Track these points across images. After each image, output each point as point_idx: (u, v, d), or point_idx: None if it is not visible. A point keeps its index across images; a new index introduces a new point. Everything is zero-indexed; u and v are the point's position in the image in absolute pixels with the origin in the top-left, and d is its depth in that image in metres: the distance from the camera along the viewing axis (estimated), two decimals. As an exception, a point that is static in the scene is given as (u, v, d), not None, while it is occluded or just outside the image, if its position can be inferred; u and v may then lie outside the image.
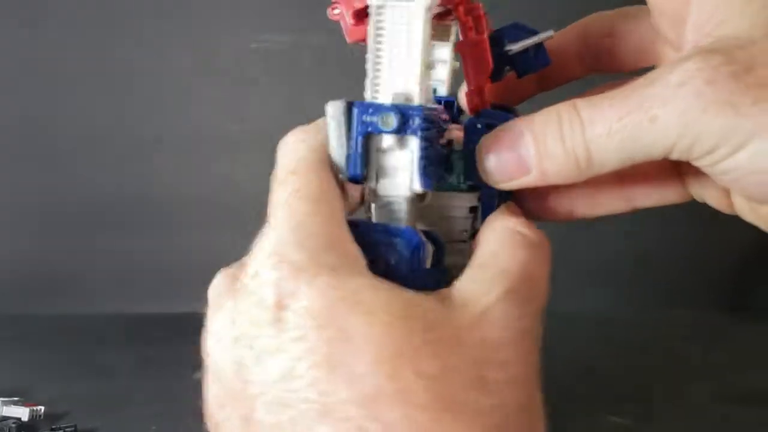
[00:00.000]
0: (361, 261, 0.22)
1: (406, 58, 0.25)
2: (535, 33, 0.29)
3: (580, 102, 0.23)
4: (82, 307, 0.88)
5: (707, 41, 0.22)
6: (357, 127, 0.26)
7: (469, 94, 0.29)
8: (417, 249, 0.24)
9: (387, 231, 0.24)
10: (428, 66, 0.25)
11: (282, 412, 0.20)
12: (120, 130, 0.97)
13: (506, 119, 0.26)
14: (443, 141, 0.27)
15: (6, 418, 0.53)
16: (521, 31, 0.29)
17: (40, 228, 0.97)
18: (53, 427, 0.52)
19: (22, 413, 0.53)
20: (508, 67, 0.29)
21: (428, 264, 0.25)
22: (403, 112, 0.25)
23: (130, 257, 0.94)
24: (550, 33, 0.29)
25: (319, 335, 0.20)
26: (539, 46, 0.29)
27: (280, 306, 0.21)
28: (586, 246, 0.84)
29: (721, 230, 0.79)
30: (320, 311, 0.20)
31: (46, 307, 0.89)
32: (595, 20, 0.30)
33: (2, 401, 0.54)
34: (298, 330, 0.20)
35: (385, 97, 0.26)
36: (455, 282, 0.22)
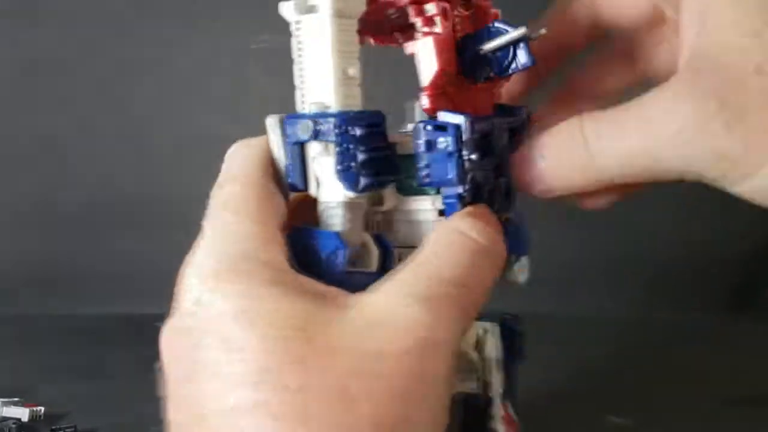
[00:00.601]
0: (280, 269, 0.22)
1: (322, 67, 0.27)
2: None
3: (589, 117, 0.25)
4: (82, 307, 0.88)
5: (699, 63, 0.23)
6: (287, 137, 0.28)
7: (428, 94, 0.28)
8: (332, 253, 0.24)
9: (312, 236, 0.25)
10: (345, 73, 0.27)
11: (172, 415, 0.21)
12: (120, 130, 0.97)
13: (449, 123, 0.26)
14: (382, 144, 0.27)
15: (6, 419, 0.53)
16: (499, 30, 0.28)
17: (40, 228, 0.97)
18: (53, 427, 0.52)
19: (22, 414, 0.53)
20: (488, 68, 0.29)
21: (365, 266, 0.26)
22: (316, 120, 0.26)
23: (130, 257, 0.94)
24: (522, 30, 0.27)
25: (208, 344, 0.21)
26: (519, 45, 0.27)
27: (189, 312, 0.22)
28: (588, 246, 0.84)
29: (724, 230, 0.79)
30: (210, 320, 0.21)
31: (46, 307, 0.89)
32: None
33: (2, 401, 0.54)
34: (193, 338, 0.21)
35: (308, 107, 0.28)
36: (376, 284, 0.22)
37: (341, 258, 0.24)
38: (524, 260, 0.31)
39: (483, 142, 0.26)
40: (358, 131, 0.26)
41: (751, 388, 0.60)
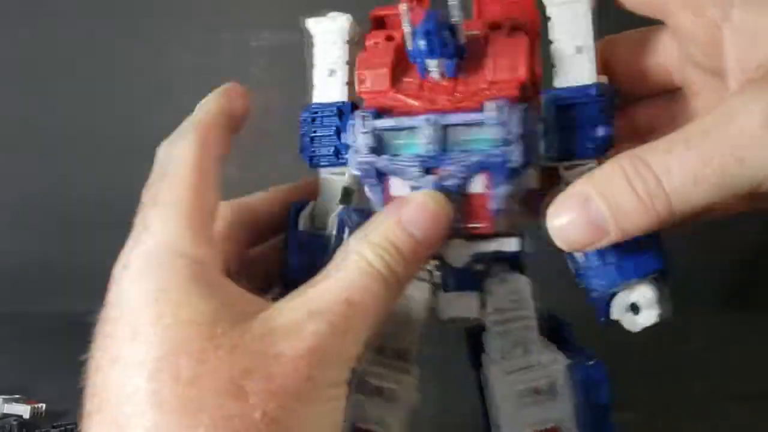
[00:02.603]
0: (202, 264, 0.23)
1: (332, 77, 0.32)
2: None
3: (641, 152, 0.23)
4: (83, 304, 0.88)
5: (761, 72, 0.22)
6: None
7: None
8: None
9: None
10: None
11: (85, 404, 0.22)
12: (120, 128, 0.97)
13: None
14: None
15: (7, 416, 0.53)
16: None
17: (41, 226, 0.97)
18: (54, 424, 0.52)
19: (24, 411, 0.53)
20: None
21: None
22: None
23: (131, 255, 0.94)
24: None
25: (119, 333, 0.22)
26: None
27: (112, 304, 0.23)
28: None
29: (725, 229, 0.79)
30: (125, 311, 0.22)
31: (47, 304, 0.89)
32: (618, 46, 0.30)
33: (3, 399, 0.54)
34: (110, 327, 0.22)
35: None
36: (285, 297, 0.23)
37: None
38: (643, 290, 0.28)
39: None
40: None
41: (753, 384, 0.60)
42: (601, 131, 0.27)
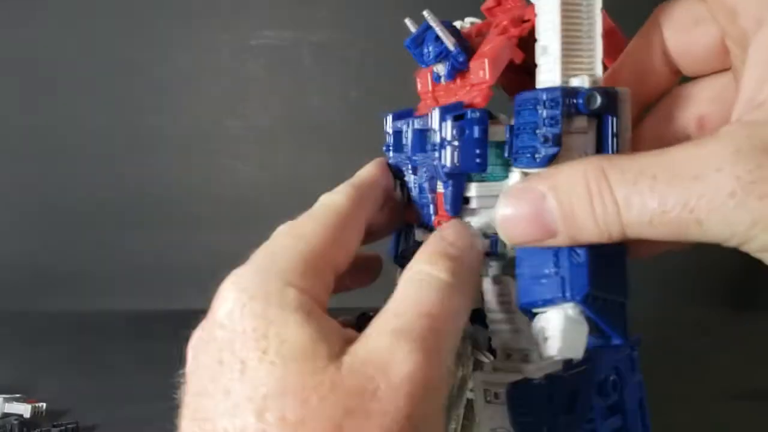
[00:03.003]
0: (312, 298, 0.23)
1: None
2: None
3: (610, 170, 0.22)
4: (83, 304, 0.88)
5: (759, 115, 0.21)
6: None
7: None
8: None
9: None
10: None
11: (184, 424, 0.22)
12: (121, 127, 0.97)
13: None
14: None
15: (8, 415, 0.53)
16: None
17: (41, 225, 0.97)
18: (55, 423, 0.52)
19: (24, 410, 0.53)
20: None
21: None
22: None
23: (131, 254, 0.94)
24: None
25: (228, 361, 0.21)
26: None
27: (220, 324, 0.22)
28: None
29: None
30: (235, 337, 0.22)
31: (47, 304, 0.89)
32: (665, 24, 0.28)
33: (4, 398, 0.54)
34: (218, 352, 0.22)
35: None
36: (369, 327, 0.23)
37: None
38: (551, 315, 0.25)
39: None
40: None
41: (754, 383, 0.60)
42: (538, 141, 0.25)
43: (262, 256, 0.24)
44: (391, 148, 0.31)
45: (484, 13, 0.31)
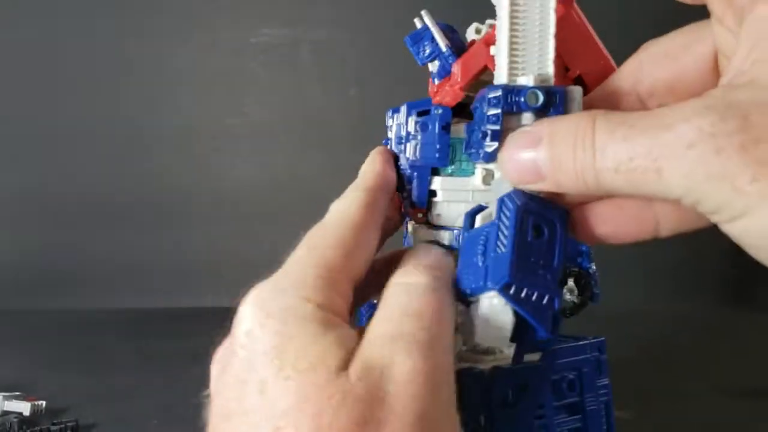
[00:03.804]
0: (338, 310, 0.23)
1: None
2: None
3: (600, 120, 0.23)
4: (83, 302, 0.88)
5: (739, 80, 0.21)
6: None
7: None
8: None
9: None
10: None
11: None
12: (119, 125, 0.97)
13: None
14: None
15: (7, 413, 0.53)
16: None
17: (40, 224, 0.97)
18: (54, 421, 0.52)
19: (24, 408, 0.53)
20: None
21: None
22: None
23: (130, 252, 0.94)
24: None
25: (250, 381, 0.22)
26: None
27: (240, 344, 0.23)
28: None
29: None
30: (255, 357, 0.22)
31: (47, 302, 0.89)
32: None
33: (4, 396, 0.54)
34: (241, 373, 0.22)
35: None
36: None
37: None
38: (483, 302, 0.25)
39: None
40: None
41: (750, 381, 0.60)
42: (476, 137, 0.26)
43: (280, 271, 0.24)
44: (390, 142, 0.31)
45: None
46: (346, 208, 0.26)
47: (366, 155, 0.30)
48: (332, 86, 0.95)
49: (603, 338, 0.30)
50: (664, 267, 0.88)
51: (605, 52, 0.29)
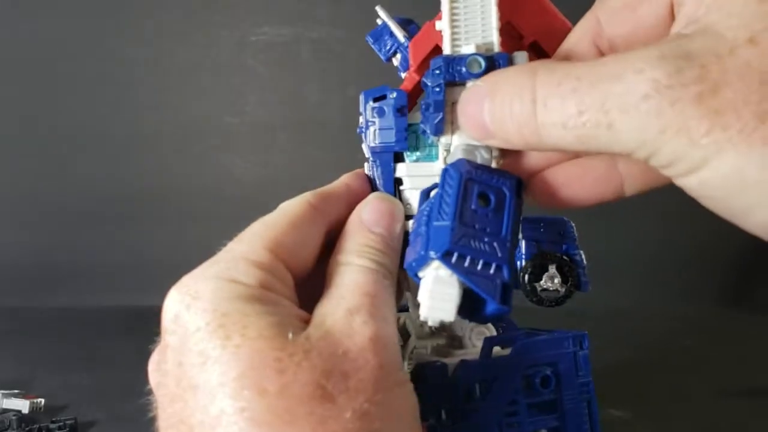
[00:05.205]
0: (277, 290, 0.23)
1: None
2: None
3: (542, 71, 0.22)
4: (82, 299, 0.88)
5: (693, 28, 0.21)
6: None
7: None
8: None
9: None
10: None
11: (162, 427, 0.22)
12: (119, 123, 0.97)
13: None
14: None
15: (6, 411, 0.53)
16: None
17: (40, 221, 0.97)
18: (53, 419, 0.52)
19: (23, 406, 0.53)
20: None
21: None
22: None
23: (129, 250, 0.94)
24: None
25: (188, 360, 0.21)
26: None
27: (169, 330, 0.23)
28: (588, 242, 0.84)
29: (724, 226, 0.79)
30: (187, 337, 0.22)
31: (46, 299, 0.89)
32: None
33: (3, 394, 0.54)
34: (176, 356, 0.22)
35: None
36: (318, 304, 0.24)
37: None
38: (426, 272, 0.25)
39: None
40: None
41: (747, 381, 0.60)
42: (423, 111, 0.26)
43: (208, 261, 0.24)
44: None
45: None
46: (287, 205, 0.27)
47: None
48: (332, 85, 0.95)
49: (585, 332, 0.29)
50: (664, 268, 0.88)
51: (560, 15, 0.28)
